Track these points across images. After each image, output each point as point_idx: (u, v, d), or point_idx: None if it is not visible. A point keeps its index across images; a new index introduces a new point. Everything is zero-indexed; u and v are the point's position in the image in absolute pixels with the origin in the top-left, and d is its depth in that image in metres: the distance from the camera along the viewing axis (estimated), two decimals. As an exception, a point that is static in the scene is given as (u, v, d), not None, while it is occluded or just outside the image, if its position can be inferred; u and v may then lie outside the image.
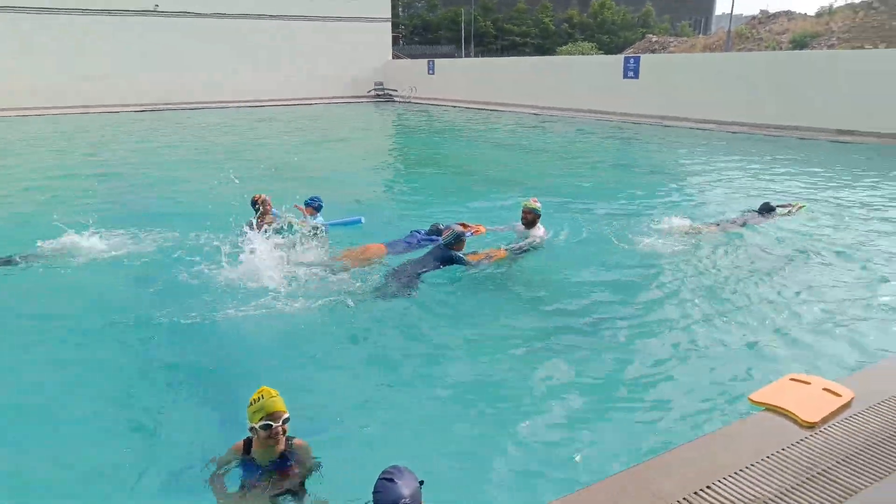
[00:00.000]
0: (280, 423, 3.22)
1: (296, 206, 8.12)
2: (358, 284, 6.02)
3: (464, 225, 7.36)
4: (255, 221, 7.51)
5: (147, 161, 14.82)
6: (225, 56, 32.59)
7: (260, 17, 33.32)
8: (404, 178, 14.09)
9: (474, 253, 6.78)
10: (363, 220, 7.87)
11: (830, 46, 27.54)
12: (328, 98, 34.48)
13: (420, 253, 6.76)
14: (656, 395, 4.15)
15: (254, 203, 7.76)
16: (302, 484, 3.29)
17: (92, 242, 7.27)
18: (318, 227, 7.21)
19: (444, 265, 6.38)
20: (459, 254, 6.50)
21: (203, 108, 29.49)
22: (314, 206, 8.04)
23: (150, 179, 12.45)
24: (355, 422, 3.98)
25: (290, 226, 7.10)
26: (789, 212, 8.71)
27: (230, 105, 30.82)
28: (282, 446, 3.28)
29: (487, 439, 3.78)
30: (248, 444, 3.33)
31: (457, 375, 4.51)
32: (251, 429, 3.25)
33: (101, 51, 29.78)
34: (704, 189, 11.23)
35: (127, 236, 7.72)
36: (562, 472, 3.50)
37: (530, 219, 7.46)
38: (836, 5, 31.87)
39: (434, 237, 7.21)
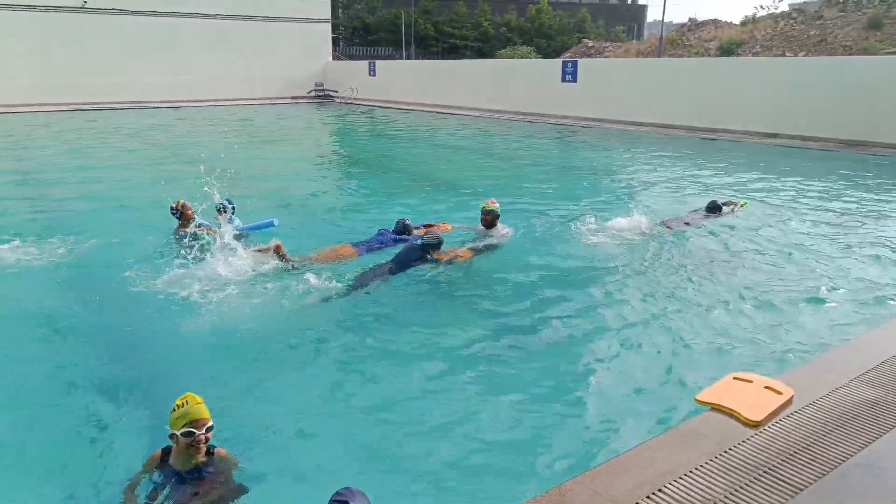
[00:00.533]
0: (203, 430, 3.13)
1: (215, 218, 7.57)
2: (327, 285, 5.92)
3: (430, 225, 7.51)
4: (177, 229, 7.27)
5: (76, 164, 14.08)
6: (159, 56, 31.43)
7: (194, 15, 32.30)
8: (345, 179, 13.88)
9: (442, 252, 6.78)
10: (276, 221, 7.49)
11: (755, 53, 28.80)
12: (267, 99, 33.74)
13: (392, 251, 6.78)
14: (605, 398, 4.17)
15: (173, 210, 7.44)
16: (224, 499, 3.17)
17: (18, 252, 6.84)
18: (238, 235, 6.88)
19: (416, 265, 6.41)
20: (433, 255, 6.54)
21: (137, 109, 28.33)
22: (225, 209, 7.43)
23: (82, 183, 11.82)
24: (296, 433, 3.83)
25: (196, 235, 6.81)
26: (733, 210, 9.02)
27: (165, 105, 29.73)
28: (202, 456, 3.18)
29: (433, 450, 3.70)
30: (166, 452, 3.23)
31: (404, 383, 4.41)
32: (171, 436, 3.15)
33: (25, 48, 28.23)
34: (645, 189, 11.49)
35: (55, 244, 7.28)
36: (511, 481, 3.45)
37: (489, 220, 7.56)
38: (758, 15, 33.26)
39: (403, 236, 7.21)
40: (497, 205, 7.62)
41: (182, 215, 7.45)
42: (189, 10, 32.09)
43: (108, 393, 4.31)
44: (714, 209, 8.80)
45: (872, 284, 6.22)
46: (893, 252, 7.24)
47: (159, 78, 31.37)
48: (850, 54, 24.81)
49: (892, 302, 5.77)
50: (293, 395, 4.28)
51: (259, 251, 6.43)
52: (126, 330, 5.22)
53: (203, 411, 3.15)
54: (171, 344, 5.03)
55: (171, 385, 4.21)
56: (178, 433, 3.11)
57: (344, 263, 6.63)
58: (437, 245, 6.55)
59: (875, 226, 8.48)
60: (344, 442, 3.78)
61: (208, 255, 6.30)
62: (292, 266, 6.40)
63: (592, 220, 8.07)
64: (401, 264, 6.39)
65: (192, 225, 7.34)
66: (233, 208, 7.58)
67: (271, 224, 7.56)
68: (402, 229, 7.37)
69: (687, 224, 8.31)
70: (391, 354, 4.83)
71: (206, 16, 32.61)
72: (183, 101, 30.83)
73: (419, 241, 6.65)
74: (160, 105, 29.62)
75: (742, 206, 9.22)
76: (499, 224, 7.65)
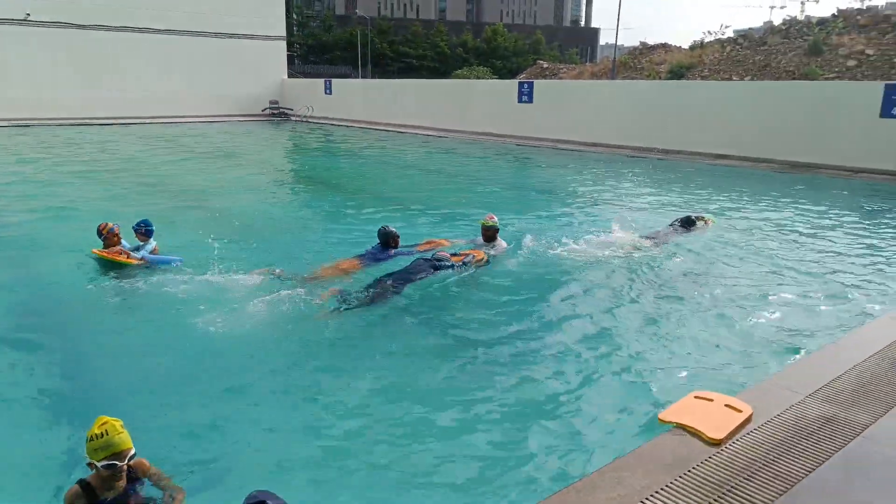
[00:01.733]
0: (125, 461, 2.99)
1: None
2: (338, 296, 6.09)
3: (431, 241, 7.97)
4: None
5: (22, 179, 13.55)
6: (106, 72, 30.65)
7: (144, 30, 31.67)
8: (299, 197, 13.70)
9: (456, 255, 7.21)
10: (181, 262, 7.04)
11: (703, 77, 29.77)
12: (221, 116, 33.21)
13: (399, 263, 7.10)
14: (569, 420, 4.15)
15: (99, 233, 7.21)
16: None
17: None
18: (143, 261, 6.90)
19: (435, 272, 6.79)
20: (446, 262, 6.93)
21: (86, 125, 27.52)
22: (142, 231, 7.36)
23: (26, 200, 11.37)
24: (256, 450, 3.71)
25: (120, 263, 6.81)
26: (706, 223, 9.38)
27: (114, 122, 28.97)
28: (125, 481, 3.06)
29: (394, 476, 3.61)
30: (85, 484, 3.03)
31: (370, 404, 4.32)
32: (90, 465, 2.99)
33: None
34: (603, 208, 11.66)
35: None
36: (479, 504, 3.39)
37: (489, 235, 8.00)
38: (706, 40, 34.45)
39: (399, 249, 7.53)
40: (496, 220, 8.03)
41: (105, 239, 7.17)
42: (138, 25, 31.43)
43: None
44: (687, 223, 9.06)
45: (823, 302, 6.41)
46: (849, 274, 7.47)
47: (106, 94, 30.56)
48: (793, 79, 25.89)
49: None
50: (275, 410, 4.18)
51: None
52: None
53: (125, 441, 2.99)
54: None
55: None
56: (98, 465, 2.95)
57: (352, 275, 6.85)
58: (441, 261, 6.90)
59: (825, 245, 8.76)
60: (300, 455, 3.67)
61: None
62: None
63: (570, 238, 8.25)
64: (411, 277, 6.60)
65: (116, 250, 7.11)
66: (150, 231, 7.40)
67: (177, 262, 7.07)
68: (388, 242, 7.51)
69: (656, 240, 8.49)
70: (353, 373, 4.74)
71: (156, 31, 31.99)
72: (132, 118, 30.10)
73: (429, 256, 7.06)
74: (107, 122, 28.85)
75: (711, 222, 9.56)
76: (498, 237, 8.04)
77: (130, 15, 31.03)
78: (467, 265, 7.06)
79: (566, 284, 6.88)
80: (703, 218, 9.54)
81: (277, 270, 6.76)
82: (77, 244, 7.78)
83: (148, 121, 30.18)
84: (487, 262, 7.35)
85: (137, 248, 7.27)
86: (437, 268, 6.81)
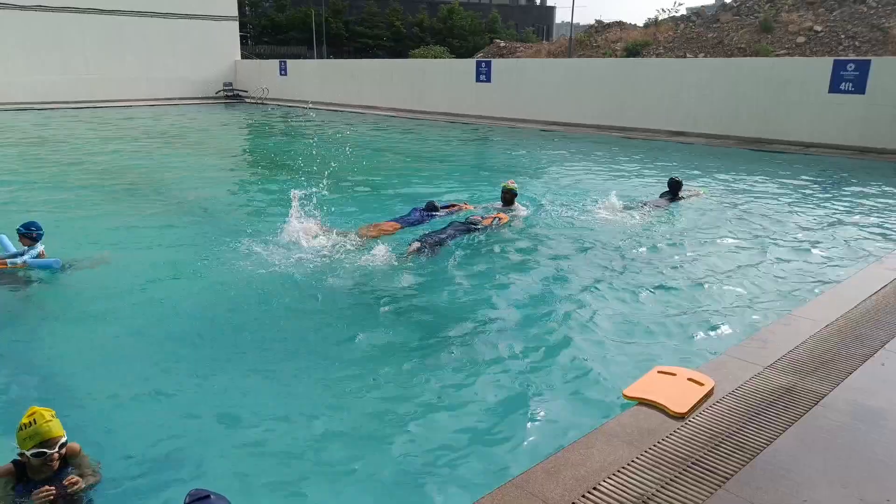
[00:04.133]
0: (56, 448, 3.00)
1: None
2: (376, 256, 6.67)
3: (453, 205, 8.81)
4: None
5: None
6: (49, 54, 29.38)
7: (89, 10, 30.37)
8: (256, 181, 13.39)
9: (486, 217, 8.11)
10: (58, 264, 6.59)
11: (658, 54, 30.08)
12: (173, 99, 32.25)
13: (434, 225, 7.99)
14: (535, 398, 4.15)
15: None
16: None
17: None
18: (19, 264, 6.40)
19: (468, 233, 7.65)
20: (479, 226, 7.83)
21: (21, 110, 26.36)
22: (30, 235, 6.62)
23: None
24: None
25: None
26: (697, 194, 9.87)
27: (60, 106, 27.86)
28: (57, 465, 3.05)
29: (365, 456, 3.56)
30: (18, 464, 3.07)
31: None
32: (20, 454, 3.01)
33: None
34: (567, 184, 11.69)
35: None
36: (447, 487, 3.36)
37: (508, 198, 8.75)
38: (660, 18, 34.76)
39: (431, 212, 8.41)
40: (515, 184, 8.86)
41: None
42: (83, 6, 30.14)
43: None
44: (674, 188, 9.57)
45: (781, 274, 6.55)
46: (805, 245, 7.65)
47: (49, 77, 29.33)
48: (745, 56, 26.36)
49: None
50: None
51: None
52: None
53: (54, 429, 3.01)
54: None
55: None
56: (27, 453, 2.97)
57: (391, 236, 7.56)
58: (475, 224, 7.83)
59: (787, 220, 8.93)
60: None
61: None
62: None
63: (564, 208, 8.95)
64: (451, 235, 7.48)
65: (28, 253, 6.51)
66: (40, 235, 6.71)
67: (55, 265, 6.59)
68: (431, 207, 8.51)
69: (641, 211, 8.94)
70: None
71: (101, 11, 30.73)
72: (77, 103, 28.99)
73: (463, 219, 7.98)
74: (50, 106, 27.73)
75: (703, 195, 10.00)
76: (516, 202, 8.79)
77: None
78: (495, 227, 7.93)
79: (539, 257, 7.08)
80: (693, 190, 10.03)
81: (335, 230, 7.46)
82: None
83: (99, 105, 29.10)
84: (508, 222, 8.21)
85: (20, 254, 6.51)
86: (469, 230, 7.67)
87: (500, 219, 8.18)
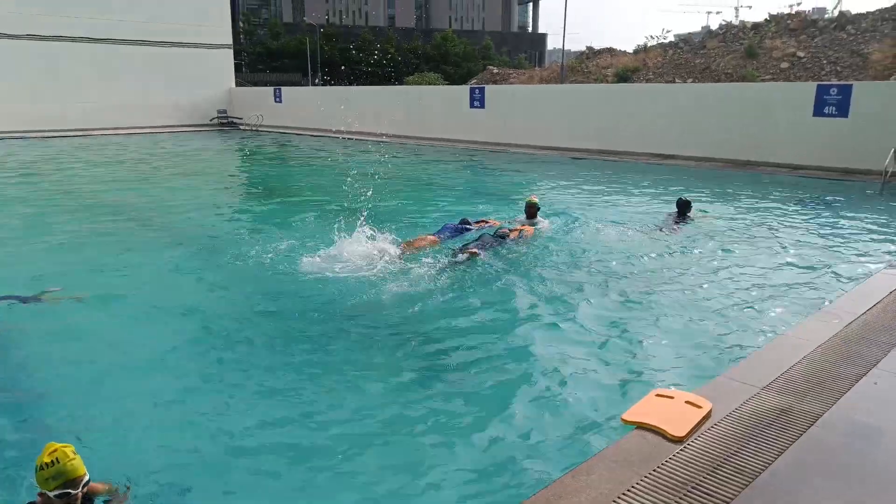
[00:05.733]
0: (80, 488, 2.82)
1: None
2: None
3: (484, 220, 9.48)
4: None
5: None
6: (45, 82, 29.54)
7: (88, 40, 30.63)
8: (251, 208, 13.43)
9: (512, 230, 8.74)
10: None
11: (648, 80, 30.55)
12: (169, 127, 32.41)
13: (467, 238, 8.66)
14: (533, 425, 4.15)
15: None
16: None
17: None
18: None
19: (497, 245, 8.24)
20: (504, 238, 8.41)
21: (20, 138, 26.44)
22: None
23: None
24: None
25: None
26: (703, 217, 10.16)
27: (53, 135, 27.93)
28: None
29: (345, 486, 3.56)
30: None
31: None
32: (41, 494, 2.81)
33: None
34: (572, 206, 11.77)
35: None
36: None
37: (532, 212, 9.43)
38: (649, 44, 35.35)
39: (464, 226, 9.09)
40: (538, 199, 9.60)
41: None
42: (76, 34, 30.38)
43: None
44: (683, 209, 9.81)
45: (771, 298, 6.60)
46: (794, 266, 7.72)
47: (42, 106, 29.44)
48: (732, 81, 26.80)
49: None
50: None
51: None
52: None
53: (78, 467, 2.82)
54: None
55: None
56: (51, 495, 2.77)
57: (436, 248, 8.26)
58: (503, 236, 8.44)
59: (776, 240, 9.02)
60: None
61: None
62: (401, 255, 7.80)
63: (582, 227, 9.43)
64: (485, 244, 8.13)
65: None
66: None
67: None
68: (464, 222, 9.18)
69: (649, 233, 9.17)
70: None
71: (94, 40, 30.98)
72: (71, 131, 29.09)
73: (492, 231, 8.60)
74: (46, 136, 27.81)
75: (709, 219, 10.19)
76: (538, 216, 9.46)
77: (71, 24, 29.99)
78: (521, 240, 8.54)
79: (541, 279, 7.18)
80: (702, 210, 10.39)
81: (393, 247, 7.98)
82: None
83: (93, 133, 29.20)
84: (532, 235, 8.82)
85: None
86: (499, 242, 8.26)
87: (524, 231, 8.80)
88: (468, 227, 9.08)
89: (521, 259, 7.94)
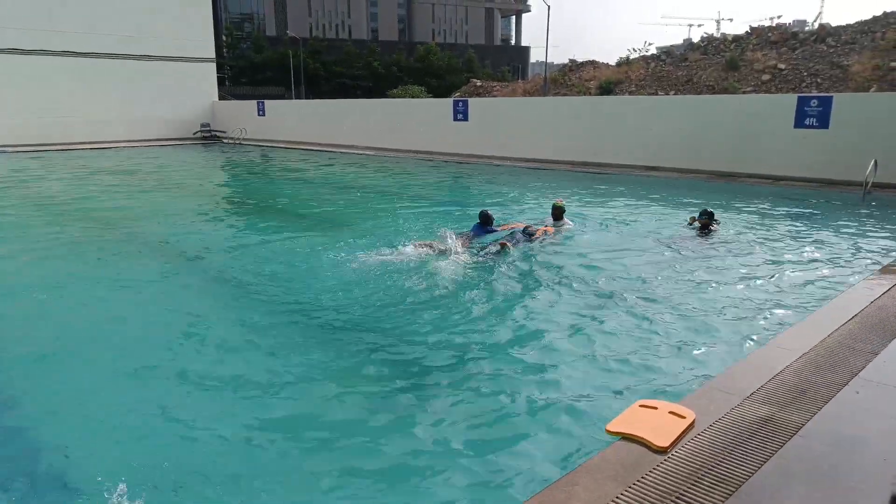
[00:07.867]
0: None
1: None
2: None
3: (509, 223, 9.99)
4: None
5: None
6: (27, 95, 29.30)
7: (70, 54, 30.43)
8: (235, 222, 13.35)
9: (537, 229, 9.42)
10: None
11: (631, 92, 30.88)
12: (152, 140, 32.25)
13: (496, 237, 9.15)
14: (516, 436, 4.13)
15: None
16: None
17: None
18: None
19: (527, 241, 8.93)
20: (531, 236, 9.06)
21: (2, 153, 26.18)
22: None
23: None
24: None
25: None
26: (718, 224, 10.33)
27: (28, 150, 27.63)
28: None
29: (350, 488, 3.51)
30: None
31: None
32: None
33: None
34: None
35: None
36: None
37: (558, 214, 10.11)
38: (632, 57, 35.76)
39: (488, 224, 9.56)
40: (563, 202, 10.28)
41: None
42: (57, 48, 30.18)
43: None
44: (709, 216, 10.01)
45: (754, 308, 6.65)
46: (777, 276, 7.79)
47: (23, 119, 29.19)
48: (714, 93, 27.16)
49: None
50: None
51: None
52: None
53: None
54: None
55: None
56: None
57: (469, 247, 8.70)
58: (531, 235, 9.07)
59: (758, 251, 9.09)
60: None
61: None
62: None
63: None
64: (517, 240, 8.75)
65: None
66: None
67: None
68: (485, 216, 9.59)
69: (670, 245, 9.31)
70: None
71: (77, 54, 30.80)
72: (53, 145, 28.84)
73: (520, 231, 9.16)
74: (24, 149, 27.53)
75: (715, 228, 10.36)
76: (564, 217, 10.11)
77: (49, 39, 29.79)
78: (546, 237, 9.20)
79: (534, 288, 7.28)
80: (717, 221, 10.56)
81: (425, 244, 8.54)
82: None
83: (75, 147, 28.94)
84: (556, 234, 9.54)
85: None
86: (528, 239, 8.88)
87: (548, 231, 9.52)
88: (492, 228, 9.60)
89: (540, 260, 8.42)
